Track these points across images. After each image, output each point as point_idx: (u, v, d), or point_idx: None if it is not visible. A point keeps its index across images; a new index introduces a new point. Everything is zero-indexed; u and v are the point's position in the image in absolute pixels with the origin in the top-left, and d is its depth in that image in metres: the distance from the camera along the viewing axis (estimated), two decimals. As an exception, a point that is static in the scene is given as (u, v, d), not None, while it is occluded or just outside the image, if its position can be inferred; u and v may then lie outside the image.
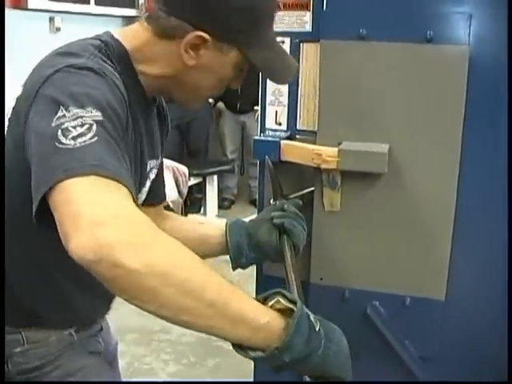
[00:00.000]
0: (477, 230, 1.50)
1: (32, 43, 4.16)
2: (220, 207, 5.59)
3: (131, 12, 5.26)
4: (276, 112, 1.64)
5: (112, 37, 1.17)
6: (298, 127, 1.62)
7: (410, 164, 1.46)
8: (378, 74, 1.45)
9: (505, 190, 1.46)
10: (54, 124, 0.92)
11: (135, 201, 0.89)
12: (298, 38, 1.57)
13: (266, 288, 1.62)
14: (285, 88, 1.62)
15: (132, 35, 1.18)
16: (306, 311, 0.98)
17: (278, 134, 1.62)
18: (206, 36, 1.09)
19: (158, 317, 0.87)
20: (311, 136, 1.56)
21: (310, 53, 1.56)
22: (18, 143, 1.04)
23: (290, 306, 0.97)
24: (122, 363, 2.96)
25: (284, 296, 1.00)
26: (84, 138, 0.89)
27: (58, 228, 0.85)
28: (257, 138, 1.62)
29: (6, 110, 1.24)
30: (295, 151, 1.50)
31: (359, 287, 1.57)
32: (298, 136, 1.61)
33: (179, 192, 4.58)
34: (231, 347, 0.94)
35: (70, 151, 0.88)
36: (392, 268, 1.54)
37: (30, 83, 1.05)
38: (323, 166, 1.45)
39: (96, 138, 0.90)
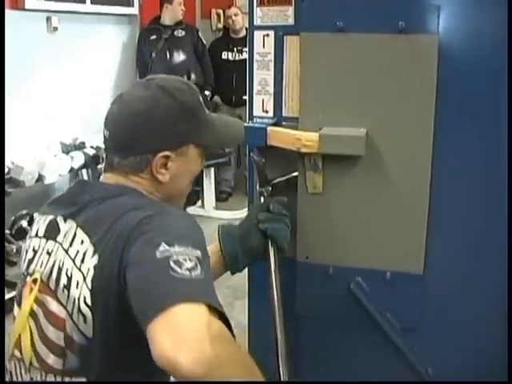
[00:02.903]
0: (451, 207, 1.60)
1: (29, 43, 4.25)
2: (217, 199, 5.67)
3: (127, 10, 5.33)
4: (263, 100, 1.74)
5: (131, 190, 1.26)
6: (283, 114, 1.72)
7: (386, 146, 1.56)
8: (355, 64, 1.55)
9: (477, 168, 1.56)
10: (160, 256, 1.02)
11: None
12: (282, 31, 1.67)
13: (257, 266, 1.71)
14: (271, 78, 1.71)
15: (121, 185, 1.26)
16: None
17: (265, 120, 1.71)
18: (167, 153, 1.24)
19: None
20: (296, 122, 1.64)
21: (292, 45, 1.65)
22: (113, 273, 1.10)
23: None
24: None
25: None
26: (196, 272, 1.02)
27: (155, 342, 0.94)
28: (245, 124, 1.71)
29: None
30: (279, 136, 1.60)
31: (342, 264, 1.66)
32: (284, 123, 1.70)
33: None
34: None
35: (187, 281, 1.01)
36: (373, 245, 1.64)
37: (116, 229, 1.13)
38: (303, 150, 1.55)
39: (204, 274, 1.03)
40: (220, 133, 1.35)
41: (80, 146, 4.50)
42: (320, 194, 1.62)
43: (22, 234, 3.81)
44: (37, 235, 1.28)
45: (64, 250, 1.19)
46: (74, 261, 1.16)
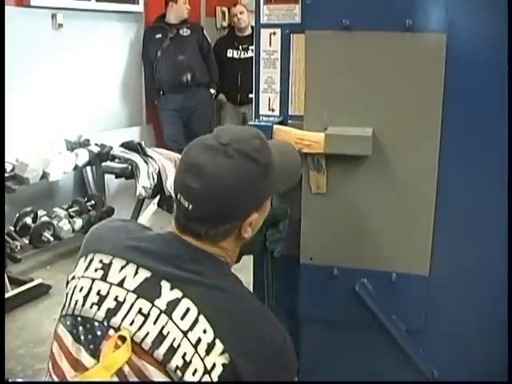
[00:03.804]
0: (458, 209, 1.58)
1: (35, 40, 4.24)
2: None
3: (132, 8, 5.32)
4: (269, 99, 1.72)
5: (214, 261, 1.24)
6: (289, 113, 1.70)
7: (392, 146, 1.55)
8: (361, 62, 1.53)
9: (485, 168, 1.55)
10: None
11: None
12: (288, 30, 1.66)
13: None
14: (277, 76, 1.70)
15: (210, 249, 1.23)
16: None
17: (271, 119, 1.70)
18: (255, 215, 1.21)
19: None
20: (302, 121, 1.63)
21: (299, 43, 1.64)
22: None
23: None
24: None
25: None
26: None
27: None
28: (251, 123, 1.70)
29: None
30: (283, 135, 1.59)
31: (347, 265, 1.65)
32: (290, 121, 1.69)
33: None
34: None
35: None
36: (378, 246, 1.63)
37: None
38: (304, 150, 1.54)
39: None
40: (283, 172, 1.30)
41: (85, 144, 4.49)
42: (324, 194, 1.61)
43: (25, 231, 3.81)
44: (122, 286, 1.18)
45: (181, 330, 1.13)
46: (195, 348, 1.11)
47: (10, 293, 3.43)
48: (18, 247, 3.73)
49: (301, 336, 1.74)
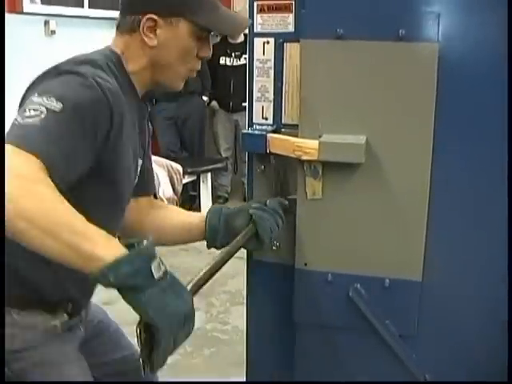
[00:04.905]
0: (450, 214, 1.60)
1: (28, 46, 4.26)
2: (214, 204, 5.68)
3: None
4: (262, 107, 1.74)
5: (111, 49, 1.43)
6: (283, 121, 1.72)
7: (386, 154, 1.56)
8: (355, 71, 1.55)
9: (477, 175, 1.57)
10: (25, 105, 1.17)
11: (51, 173, 1.06)
12: (282, 39, 1.67)
13: (256, 272, 1.75)
14: (270, 85, 1.72)
15: (117, 43, 1.43)
16: (154, 256, 1.04)
17: (264, 127, 1.72)
18: (154, 16, 1.35)
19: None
20: (295, 129, 1.65)
21: (292, 52, 1.66)
22: None
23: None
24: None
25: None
26: (31, 120, 1.11)
27: None
28: (245, 131, 1.72)
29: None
30: (279, 144, 1.61)
31: (341, 271, 1.67)
32: (283, 129, 1.71)
33: (174, 190, 4.67)
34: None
35: (14, 126, 1.11)
36: (372, 252, 1.64)
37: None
38: (303, 158, 1.55)
39: (42, 123, 1.10)
40: (221, 21, 1.42)
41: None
42: (319, 200, 1.62)
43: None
44: None
45: None
46: None
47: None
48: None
49: (296, 341, 1.75)
